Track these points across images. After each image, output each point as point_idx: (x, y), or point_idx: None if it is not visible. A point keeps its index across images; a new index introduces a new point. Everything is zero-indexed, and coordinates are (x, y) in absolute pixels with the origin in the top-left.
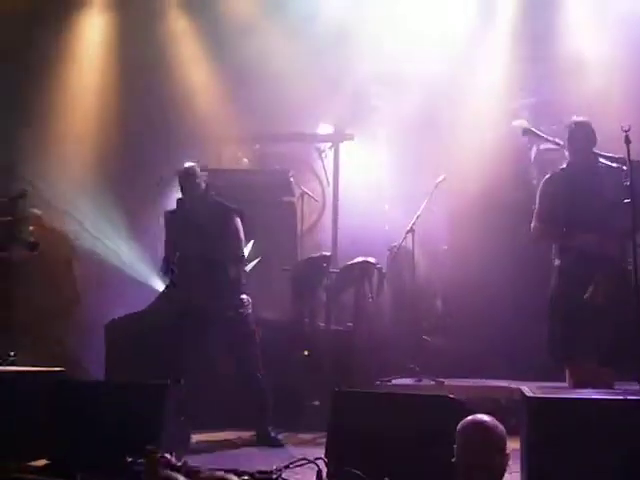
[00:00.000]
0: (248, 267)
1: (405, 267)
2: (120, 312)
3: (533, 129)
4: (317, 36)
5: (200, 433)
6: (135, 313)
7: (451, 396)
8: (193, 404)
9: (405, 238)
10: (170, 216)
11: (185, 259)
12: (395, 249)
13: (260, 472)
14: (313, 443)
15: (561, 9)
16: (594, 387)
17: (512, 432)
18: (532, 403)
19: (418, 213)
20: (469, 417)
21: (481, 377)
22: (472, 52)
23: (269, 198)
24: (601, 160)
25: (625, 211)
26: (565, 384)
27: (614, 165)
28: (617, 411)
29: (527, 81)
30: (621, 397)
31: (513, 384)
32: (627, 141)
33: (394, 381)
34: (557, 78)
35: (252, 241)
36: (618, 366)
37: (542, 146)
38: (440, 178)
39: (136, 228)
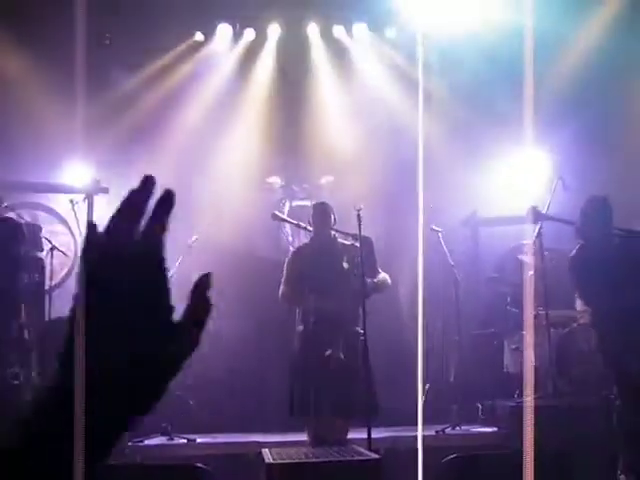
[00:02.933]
0: None
1: None
2: None
3: (277, 213)
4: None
5: None
6: None
7: (198, 465)
8: None
9: None
10: None
11: None
12: None
13: None
14: None
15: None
16: (328, 440)
17: None
18: (271, 469)
19: (170, 273)
20: None
21: (233, 431)
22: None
23: (14, 253)
24: (338, 236)
25: (356, 280)
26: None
27: (347, 242)
28: (342, 470)
29: (283, 141)
30: (346, 458)
31: (261, 438)
32: (359, 219)
33: (146, 441)
34: (311, 141)
35: None
36: (349, 417)
37: (295, 202)
38: (193, 238)
39: None
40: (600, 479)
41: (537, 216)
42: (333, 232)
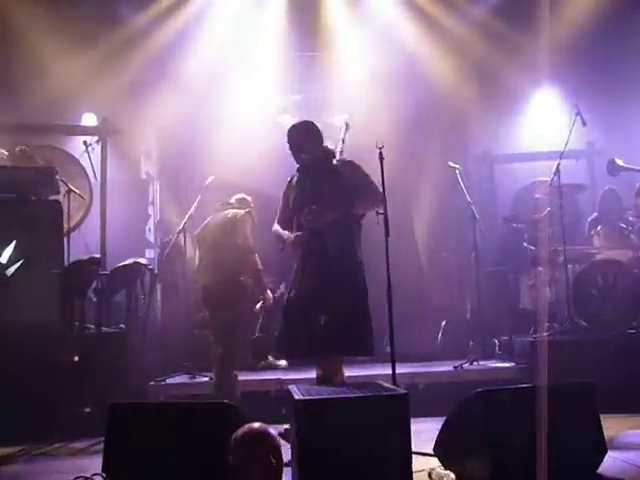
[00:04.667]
0: (10, 270)
1: (178, 265)
2: None
3: None
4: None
5: None
6: None
7: (226, 402)
8: None
9: (177, 237)
10: None
11: None
12: (167, 248)
13: None
14: (85, 452)
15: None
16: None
17: (283, 420)
18: (301, 405)
19: (190, 212)
20: (242, 428)
21: (251, 369)
22: (239, 50)
23: (32, 196)
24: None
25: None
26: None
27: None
28: (371, 405)
29: (294, 78)
30: (374, 393)
31: (283, 375)
32: (381, 157)
33: (168, 380)
34: (323, 77)
35: (14, 241)
36: (339, 352)
37: None
38: (209, 179)
39: None
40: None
41: (614, 168)
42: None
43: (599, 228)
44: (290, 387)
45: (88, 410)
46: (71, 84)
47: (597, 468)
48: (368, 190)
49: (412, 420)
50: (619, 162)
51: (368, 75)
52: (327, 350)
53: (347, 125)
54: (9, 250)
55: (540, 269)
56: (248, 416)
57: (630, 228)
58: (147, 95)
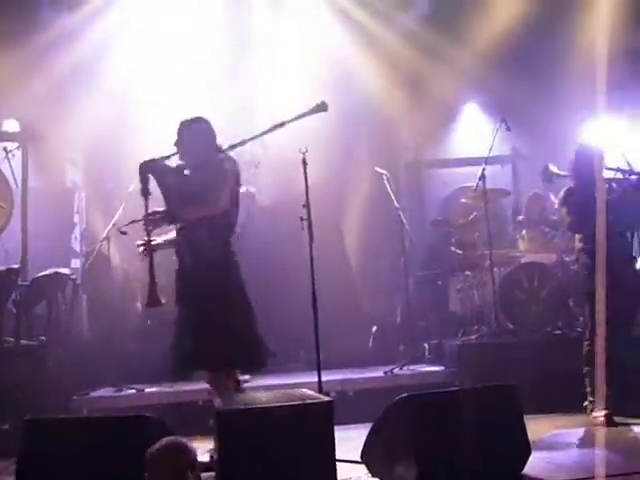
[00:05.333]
0: None
1: (103, 274)
2: None
3: None
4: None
5: None
6: None
7: (147, 415)
8: None
9: (101, 245)
10: None
11: None
12: (90, 257)
13: None
14: (4, 472)
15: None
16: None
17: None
18: (221, 415)
19: (114, 220)
20: (158, 442)
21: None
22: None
23: None
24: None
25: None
26: None
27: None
28: (295, 414)
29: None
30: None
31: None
32: (304, 162)
33: (92, 394)
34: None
35: None
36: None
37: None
38: (131, 187)
39: None
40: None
41: (548, 175)
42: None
43: (524, 232)
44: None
45: (6, 427)
46: None
47: (522, 469)
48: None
49: (342, 427)
50: (553, 169)
51: (297, 80)
52: (195, 366)
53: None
54: None
55: (467, 273)
56: (172, 429)
57: (554, 232)
58: (71, 101)
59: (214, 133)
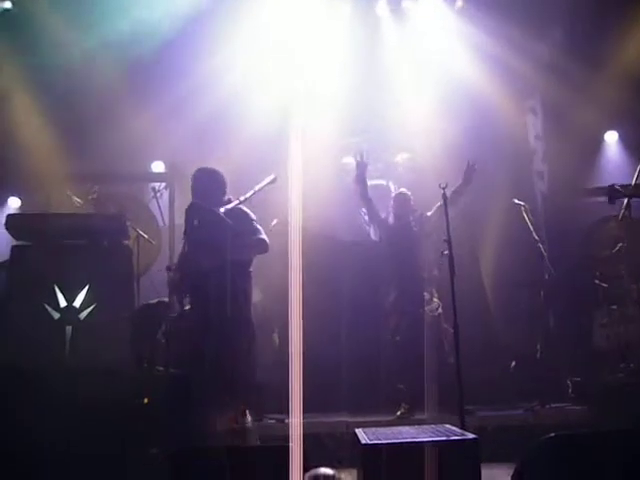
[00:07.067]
0: (83, 314)
1: None
2: None
3: None
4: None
5: None
6: None
7: (290, 445)
8: None
9: None
10: None
11: None
12: None
13: None
14: None
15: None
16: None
17: (347, 464)
18: (369, 449)
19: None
20: (308, 473)
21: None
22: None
23: (104, 242)
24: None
25: None
26: None
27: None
28: (442, 450)
29: (357, 119)
30: (443, 438)
31: (346, 418)
32: (444, 198)
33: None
34: (385, 119)
35: (87, 286)
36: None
37: (370, 182)
38: (273, 222)
39: None
40: None
41: (615, 194)
42: None
43: None
44: (357, 431)
45: (155, 451)
46: (140, 134)
47: None
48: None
49: (482, 465)
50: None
51: (426, 112)
52: None
53: (274, 180)
54: (82, 294)
55: (613, 307)
56: (313, 459)
57: None
58: (213, 141)
59: None
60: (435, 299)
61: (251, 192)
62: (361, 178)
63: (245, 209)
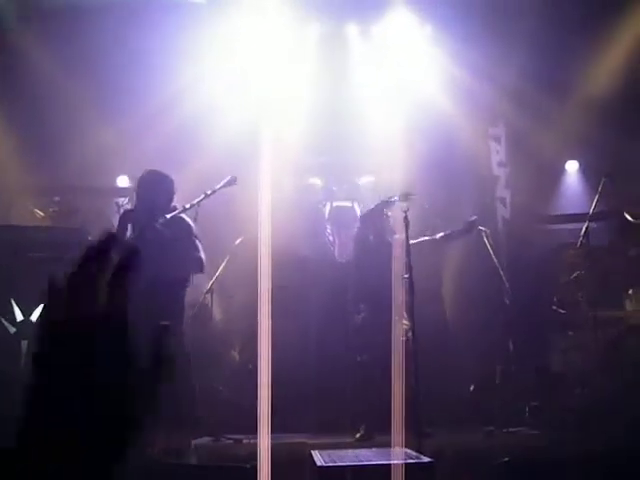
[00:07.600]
0: None
1: (205, 324)
2: None
3: None
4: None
5: None
6: None
7: (247, 466)
8: None
9: (204, 298)
10: None
11: None
12: (196, 309)
13: None
14: None
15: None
16: None
17: None
18: (324, 472)
19: (217, 274)
20: None
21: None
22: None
23: (64, 255)
24: None
25: None
26: None
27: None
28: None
29: (322, 140)
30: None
31: (305, 439)
32: (406, 221)
33: (193, 441)
34: (350, 140)
35: (43, 304)
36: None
37: (335, 203)
38: (237, 241)
39: None
40: None
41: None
42: None
43: (630, 291)
44: (313, 452)
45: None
46: (106, 147)
47: None
48: None
49: None
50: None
51: (391, 134)
52: None
53: (232, 180)
54: (40, 308)
55: (570, 333)
56: None
57: None
58: (179, 156)
59: None
60: (405, 321)
61: (202, 196)
62: None
63: (189, 221)
